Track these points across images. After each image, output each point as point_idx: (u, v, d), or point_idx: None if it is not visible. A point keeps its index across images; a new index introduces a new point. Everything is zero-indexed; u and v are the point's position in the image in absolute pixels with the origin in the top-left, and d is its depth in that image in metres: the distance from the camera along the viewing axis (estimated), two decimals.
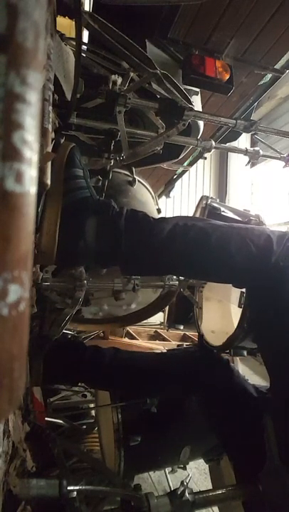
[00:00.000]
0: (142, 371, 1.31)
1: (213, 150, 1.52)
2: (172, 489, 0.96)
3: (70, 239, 0.91)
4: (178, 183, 3.62)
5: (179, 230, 0.94)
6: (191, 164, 2.64)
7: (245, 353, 1.29)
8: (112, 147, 1.33)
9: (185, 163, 2.61)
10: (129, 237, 0.92)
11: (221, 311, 1.59)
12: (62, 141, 1.05)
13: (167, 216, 1.04)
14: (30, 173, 0.23)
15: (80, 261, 1.02)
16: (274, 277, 0.91)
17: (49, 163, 0.69)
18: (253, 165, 5.10)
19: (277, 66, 1.74)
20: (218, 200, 1.50)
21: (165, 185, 3.45)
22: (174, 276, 1.40)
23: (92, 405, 2.10)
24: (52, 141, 0.72)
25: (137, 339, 3.01)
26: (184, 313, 1.72)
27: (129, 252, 0.93)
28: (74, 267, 1.12)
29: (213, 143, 1.51)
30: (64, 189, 0.94)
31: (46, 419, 1.42)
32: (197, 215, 1.46)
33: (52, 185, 0.94)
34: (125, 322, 1.67)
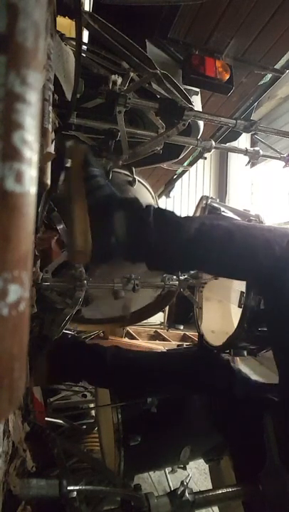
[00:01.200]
0: (143, 370, 1.32)
1: (213, 150, 1.52)
2: (172, 489, 0.96)
3: (101, 236, 0.93)
4: (178, 183, 3.63)
5: (206, 228, 0.97)
6: (191, 164, 2.64)
7: (245, 353, 1.29)
8: (112, 147, 1.33)
9: (185, 163, 2.61)
10: (158, 234, 0.95)
11: (221, 311, 1.59)
12: (68, 143, 1.05)
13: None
14: (30, 173, 0.23)
15: (113, 257, 1.04)
16: None
17: (49, 163, 0.69)
18: (253, 165, 5.10)
19: (277, 66, 1.74)
20: (218, 200, 1.50)
21: (165, 185, 3.45)
22: (174, 276, 1.40)
23: (92, 405, 2.10)
24: (52, 141, 0.72)
25: (137, 339, 3.01)
26: (184, 313, 1.72)
27: (158, 248, 0.95)
28: (101, 264, 1.14)
29: (213, 143, 1.51)
30: (86, 189, 0.95)
31: (46, 419, 1.43)
32: (197, 215, 1.46)
33: (73, 185, 0.96)
34: (125, 322, 1.67)
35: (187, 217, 1.02)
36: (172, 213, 1.01)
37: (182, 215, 1.03)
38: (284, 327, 0.98)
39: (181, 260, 1.01)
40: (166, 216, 0.99)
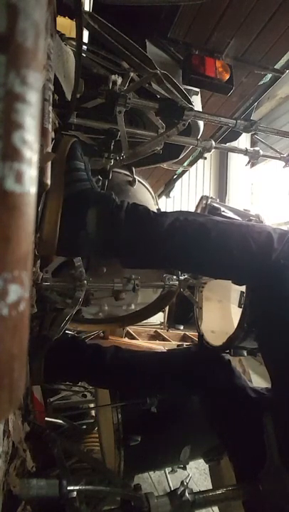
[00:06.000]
0: (143, 370, 1.32)
1: (213, 150, 1.52)
2: (172, 489, 0.96)
3: (71, 229, 0.92)
4: (178, 183, 3.62)
5: (179, 224, 0.94)
6: (191, 164, 2.64)
7: (245, 353, 1.29)
8: (112, 147, 1.33)
9: (185, 163, 2.61)
10: (129, 229, 0.93)
11: (221, 311, 1.59)
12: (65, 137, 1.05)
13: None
14: (30, 173, 0.23)
15: (81, 251, 1.03)
16: (274, 275, 0.91)
17: (49, 163, 0.69)
18: (253, 165, 5.10)
19: (277, 66, 1.74)
20: (218, 200, 1.50)
21: (165, 185, 3.45)
22: (174, 276, 1.40)
23: (92, 405, 2.10)
24: (52, 141, 0.72)
25: (137, 339, 3.01)
26: (184, 313, 1.72)
27: (129, 243, 0.94)
28: (74, 257, 1.13)
29: (213, 143, 1.51)
30: (65, 181, 0.95)
31: (46, 419, 1.42)
32: None
33: (53, 176, 0.95)
34: (125, 322, 1.67)
35: (162, 213, 0.99)
36: (146, 208, 0.98)
37: (159, 212, 1.00)
38: (268, 326, 0.98)
39: (153, 257, 0.98)
40: (138, 212, 0.96)
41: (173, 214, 0.99)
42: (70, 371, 1.34)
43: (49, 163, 0.68)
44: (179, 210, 1.03)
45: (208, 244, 0.92)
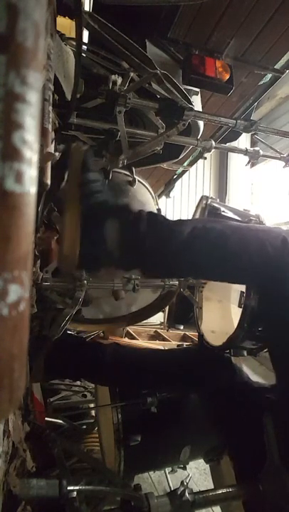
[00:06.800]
0: (143, 368, 1.32)
1: (213, 150, 1.52)
2: (172, 489, 0.96)
3: (91, 243, 0.92)
4: (178, 183, 3.62)
5: (198, 232, 0.95)
6: (191, 164, 2.64)
7: (245, 353, 1.29)
8: (112, 147, 1.33)
9: (185, 163, 2.61)
10: (151, 241, 0.93)
11: (221, 311, 1.59)
12: (74, 144, 1.05)
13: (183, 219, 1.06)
14: (30, 173, 0.23)
15: (103, 264, 1.03)
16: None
17: (49, 163, 0.69)
18: (253, 165, 5.10)
19: (277, 66, 1.74)
20: (218, 200, 1.50)
21: (165, 185, 3.45)
22: None
23: (92, 405, 2.10)
24: (52, 141, 0.72)
25: (137, 339, 3.01)
26: (184, 313, 1.72)
27: (151, 255, 0.94)
28: (96, 271, 1.13)
29: (213, 143, 1.51)
30: (81, 194, 0.95)
31: (46, 419, 1.43)
32: (197, 215, 1.46)
33: (69, 190, 0.95)
34: (125, 322, 1.67)
35: (180, 222, 1.00)
36: (164, 218, 0.99)
37: (174, 219, 1.01)
38: (280, 327, 0.98)
39: (175, 266, 0.99)
40: (158, 222, 0.97)
41: (191, 222, 1.00)
42: (70, 369, 1.35)
43: (49, 163, 0.68)
44: (178, 214, 1.03)
45: (227, 251, 0.94)
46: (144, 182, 1.66)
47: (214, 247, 0.94)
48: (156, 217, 0.99)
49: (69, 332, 1.95)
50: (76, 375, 1.42)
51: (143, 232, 0.93)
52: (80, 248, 0.90)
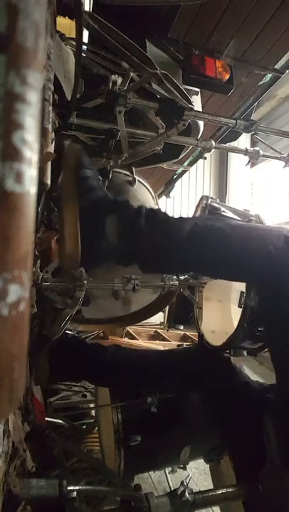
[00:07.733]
0: (143, 369, 1.32)
1: (213, 150, 1.52)
2: (172, 489, 0.96)
3: (91, 240, 0.92)
4: (178, 183, 3.63)
5: (198, 230, 0.95)
6: (191, 164, 2.64)
7: (245, 353, 1.29)
8: (112, 147, 1.33)
9: (185, 163, 2.61)
10: (150, 237, 0.93)
11: (221, 311, 1.59)
12: (67, 142, 1.05)
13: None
14: (30, 173, 0.23)
15: (103, 261, 1.03)
16: None
17: (49, 163, 0.69)
18: (253, 165, 5.10)
19: (277, 66, 1.74)
20: (218, 200, 1.50)
21: (165, 185, 3.45)
22: (174, 276, 1.40)
23: (92, 405, 2.10)
24: (52, 141, 0.72)
25: (137, 339, 3.01)
26: (184, 313, 1.72)
27: (150, 251, 0.94)
28: (96, 268, 1.13)
29: (213, 143, 1.51)
30: (78, 191, 0.94)
31: (46, 419, 1.42)
32: (197, 215, 1.46)
33: (65, 188, 0.94)
34: (125, 322, 1.67)
35: (180, 219, 1.00)
36: (165, 215, 0.99)
37: (175, 216, 1.01)
38: (280, 326, 0.98)
39: (174, 263, 0.99)
40: (157, 218, 0.97)
41: (191, 219, 1.00)
42: (70, 370, 1.35)
43: (49, 163, 0.68)
44: (178, 214, 1.03)
45: (227, 250, 0.93)
46: (144, 182, 1.66)
47: (215, 243, 0.94)
48: (156, 214, 0.98)
49: (69, 333, 1.96)
50: (76, 376, 1.42)
51: (142, 228, 0.93)
52: (81, 245, 0.91)
